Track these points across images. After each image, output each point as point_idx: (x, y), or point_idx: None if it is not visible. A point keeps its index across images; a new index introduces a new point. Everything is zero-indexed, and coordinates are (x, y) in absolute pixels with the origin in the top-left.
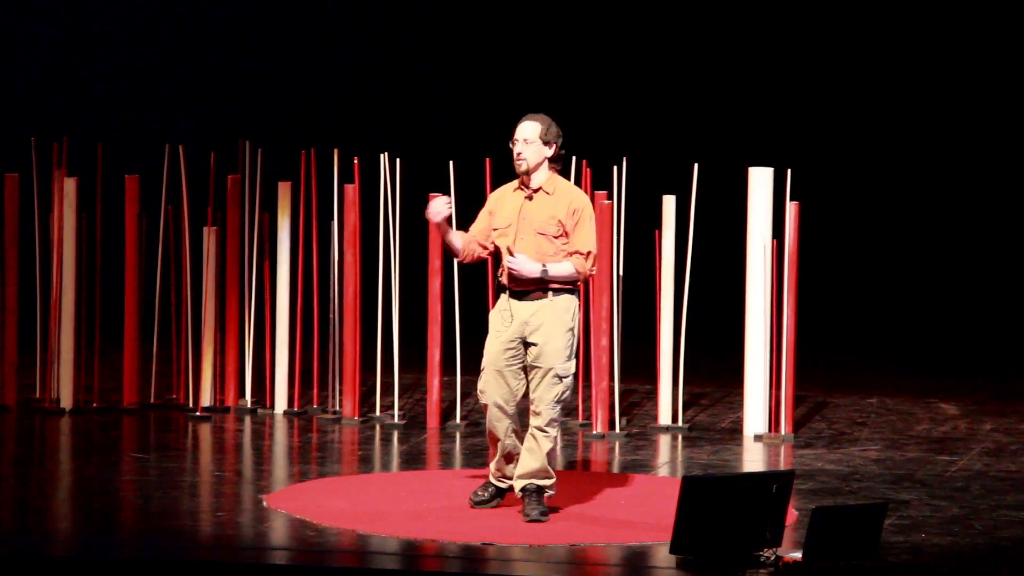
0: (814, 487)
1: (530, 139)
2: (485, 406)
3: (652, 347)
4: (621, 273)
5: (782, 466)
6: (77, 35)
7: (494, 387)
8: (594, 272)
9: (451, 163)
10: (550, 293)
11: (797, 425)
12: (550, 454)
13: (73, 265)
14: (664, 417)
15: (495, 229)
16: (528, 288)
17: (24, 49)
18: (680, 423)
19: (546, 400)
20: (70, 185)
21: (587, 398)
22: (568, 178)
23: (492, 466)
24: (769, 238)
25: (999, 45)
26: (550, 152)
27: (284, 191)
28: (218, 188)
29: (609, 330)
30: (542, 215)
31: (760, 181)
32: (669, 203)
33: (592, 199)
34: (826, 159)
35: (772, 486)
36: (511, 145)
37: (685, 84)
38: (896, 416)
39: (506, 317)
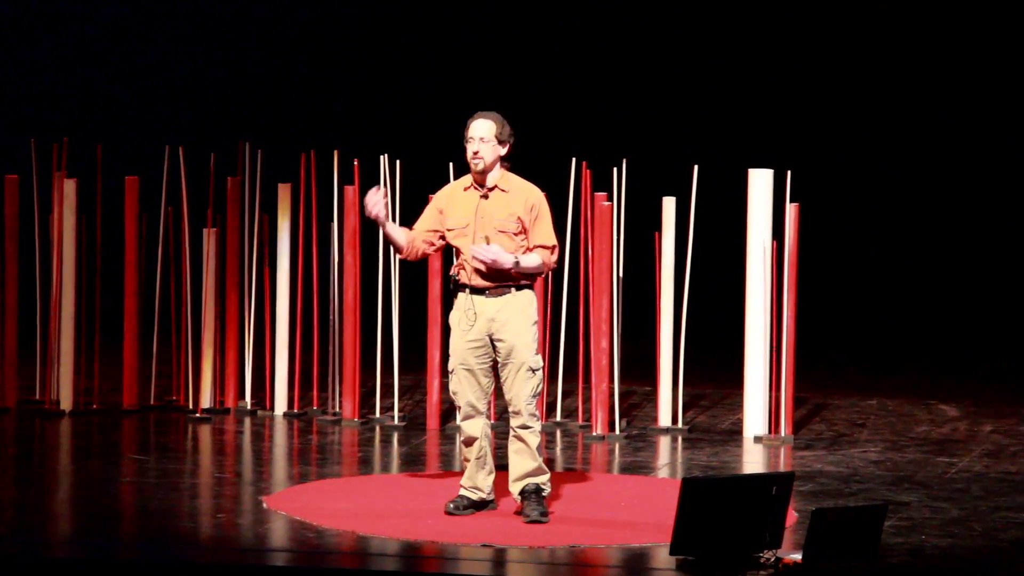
0: (814, 488)
1: (486, 138)
2: (459, 407)
3: (652, 348)
4: (621, 274)
5: (782, 467)
6: (77, 36)
7: (466, 386)
8: (555, 265)
9: (451, 164)
10: (513, 289)
11: (797, 426)
12: (539, 449)
13: (73, 266)
14: (664, 418)
15: (450, 230)
16: (490, 284)
17: (24, 50)
18: (680, 424)
19: (523, 396)
20: (70, 186)
21: (587, 399)
22: (568, 181)
23: (464, 478)
24: (769, 239)
25: (998, 45)
26: (504, 151)
27: (284, 193)
28: (218, 190)
29: (609, 331)
30: (501, 213)
31: (760, 182)
32: (669, 204)
33: (592, 200)
34: (826, 161)
35: (772, 488)
36: (466, 143)
37: (685, 86)
38: (896, 418)
39: (470, 316)
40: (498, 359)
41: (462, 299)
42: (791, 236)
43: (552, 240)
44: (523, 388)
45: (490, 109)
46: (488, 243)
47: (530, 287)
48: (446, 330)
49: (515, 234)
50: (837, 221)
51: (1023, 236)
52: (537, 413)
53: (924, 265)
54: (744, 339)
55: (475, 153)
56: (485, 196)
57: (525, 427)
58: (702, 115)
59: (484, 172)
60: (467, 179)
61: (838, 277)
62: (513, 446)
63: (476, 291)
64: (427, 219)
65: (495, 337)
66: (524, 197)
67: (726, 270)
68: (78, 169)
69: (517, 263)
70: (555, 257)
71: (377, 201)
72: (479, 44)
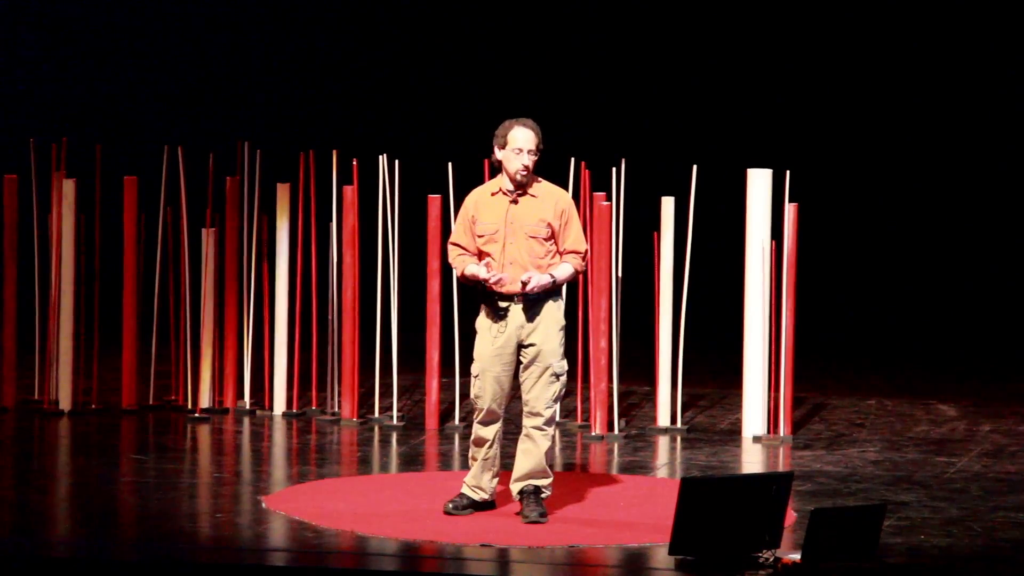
0: (813, 488)
1: (533, 150)
2: (480, 410)
3: (651, 348)
4: (620, 275)
5: (781, 467)
6: (76, 37)
7: (489, 392)
8: (585, 269)
9: (449, 164)
10: (541, 294)
11: (796, 426)
12: (548, 453)
13: (72, 266)
14: (663, 418)
15: (480, 236)
16: (518, 291)
17: (23, 50)
18: (679, 424)
19: (544, 399)
20: (69, 186)
21: (586, 399)
22: (567, 181)
23: (468, 476)
24: (768, 239)
25: (997, 46)
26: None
27: (283, 193)
28: (217, 190)
29: (608, 331)
30: (531, 218)
31: (759, 182)
32: (668, 204)
33: (591, 201)
34: (825, 160)
35: (771, 487)
36: (504, 149)
37: (684, 86)
38: (895, 417)
39: (501, 325)
40: (522, 360)
41: (491, 305)
42: (790, 236)
43: (583, 245)
44: (545, 392)
45: (489, 109)
46: (527, 279)
47: (559, 292)
48: (445, 330)
49: (545, 239)
50: (836, 221)
51: (1022, 236)
52: (554, 417)
53: (923, 265)
54: (743, 339)
55: (526, 167)
56: (515, 201)
57: (539, 428)
58: (701, 115)
59: (527, 182)
60: (494, 184)
61: (837, 277)
62: (522, 445)
63: (504, 297)
64: (468, 233)
65: (525, 342)
66: (554, 202)
67: (725, 270)
68: (77, 169)
69: (554, 280)
70: (585, 262)
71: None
72: (478, 44)
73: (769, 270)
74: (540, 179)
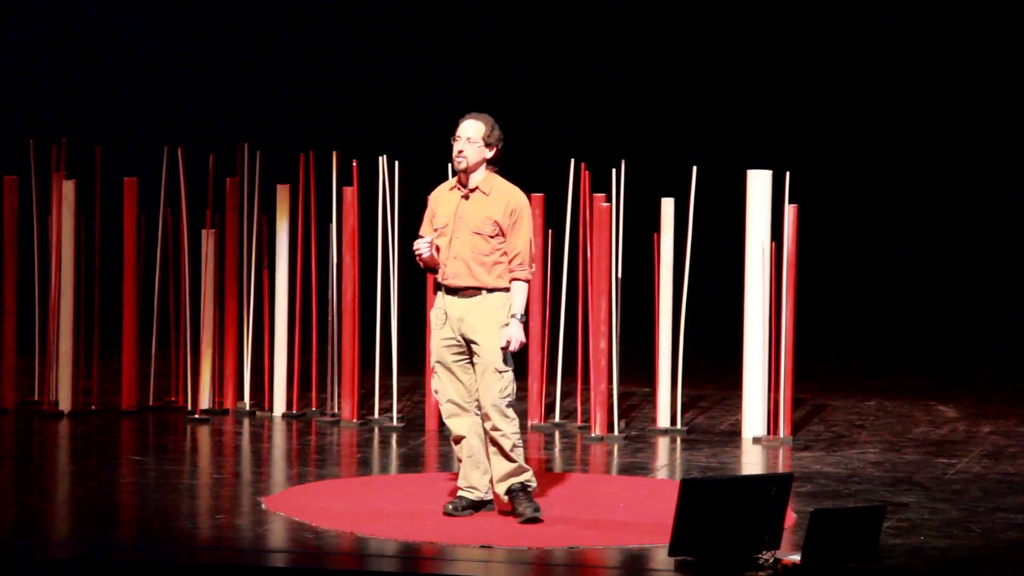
0: (813, 490)
1: (473, 138)
2: (441, 404)
3: (651, 350)
4: (620, 276)
5: (781, 469)
6: (76, 37)
7: (446, 384)
8: (534, 271)
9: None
10: (483, 291)
11: (796, 428)
12: (515, 449)
13: (72, 268)
14: (663, 420)
15: (435, 230)
16: (462, 286)
17: (23, 51)
18: (679, 425)
19: (490, 396)
20: (69, 188)
21: (586, 401)
22: (567, 181)
23: (459, 478)
24: (768, 241)
25: (997, 47)
26: (490, 154)
27: (283, 194)
28: (217, 191)
29: (608, 332)
30: (478, 215)
31: (759, 183)
32: (668, 206)
33: (591, 202)
34: (825, 161)
35: (771, 489)
36: (452, 141)
37: (684, 87)
38: (895, 418)
39: (440, 315)
40: (473, 359)
41: (439, 297)
42: (790, 237)
43: (529, 249)
44: (490, 388)
45: (489, 110)
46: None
47: (503, 290)
48: None
49: (491, 236)
50: (836, 222)
51: (1022, 238)
52: (508, 413)
53: (923, 266)
54: (743, 340)
55: (459, 152)
56: (466, 197)
57: (495, 429)
58: (701, 116)
59: (467, 172)
60: (455, 180)
61: (837, 278)
62: (490, 448)
63: (450, 291)
64: (428, 225)
65: (466, 338)
66: (505, 201)
67: (725, 271)
68: (77, 170)
69: (518, 316)
70: (534, 266)
71: (426, 247)
72: (478, 45)
73: (769, 271)
74: (497, 176)
